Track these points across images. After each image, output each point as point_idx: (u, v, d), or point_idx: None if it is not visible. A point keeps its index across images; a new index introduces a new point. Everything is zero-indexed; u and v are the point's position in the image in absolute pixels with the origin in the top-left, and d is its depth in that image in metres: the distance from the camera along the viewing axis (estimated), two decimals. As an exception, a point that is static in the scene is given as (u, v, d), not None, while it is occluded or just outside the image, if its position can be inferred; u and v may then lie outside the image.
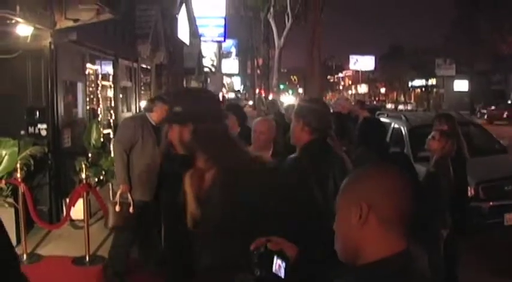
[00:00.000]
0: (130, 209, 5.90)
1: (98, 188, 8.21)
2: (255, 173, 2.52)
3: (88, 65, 10.61)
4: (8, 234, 2.11)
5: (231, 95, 65.04)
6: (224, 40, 34.88)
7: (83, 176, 7.19)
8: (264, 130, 4.98)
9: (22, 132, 8.38)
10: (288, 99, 62.09)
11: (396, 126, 9.65)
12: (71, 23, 8.75)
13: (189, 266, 2.62)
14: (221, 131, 2.62)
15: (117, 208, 5.90)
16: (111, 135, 10.98)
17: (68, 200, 7.82)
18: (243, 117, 7.31)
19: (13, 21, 7.59)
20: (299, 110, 3.59)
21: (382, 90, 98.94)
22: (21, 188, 7.06)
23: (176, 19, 19.31)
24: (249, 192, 2.42)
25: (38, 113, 8.52)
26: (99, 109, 11.40)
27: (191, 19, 22.29)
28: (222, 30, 31.03)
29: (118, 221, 6.01)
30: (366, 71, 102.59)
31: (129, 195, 5.90)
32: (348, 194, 1.67)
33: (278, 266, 2.34)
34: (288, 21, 32.81)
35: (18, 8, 7.43)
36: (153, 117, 6.07)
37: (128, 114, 12.68)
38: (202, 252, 2.57)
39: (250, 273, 2.25)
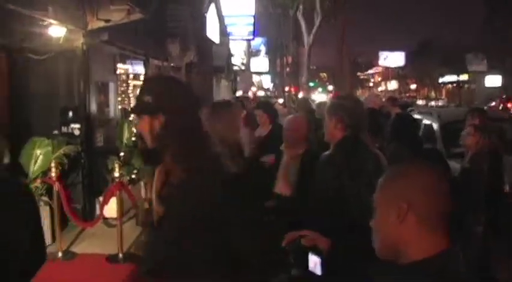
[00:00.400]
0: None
1: (130, 187, 8.29)
2: (217, 174, 2.39)
3: (119, 65, 10.72)
4: (40, 221, 2.18)
5: (261, 93, 65.00)
6: (253, 38, 34.78)
7: (116, 174, 7.27)
8: (295, 128, 4.92)
9: (55, 131, 8.48)
10: (319, 97, 61.64)
11: (428, 122, 9.53)
12: (102, 24, 8.83)
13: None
14: (193, 125, 2.45)
15: (146, 205, 5.94)
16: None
17: (101, 199, 7.93)
18: (274, 114, 7.30)
19: (46, 23, 7.69)
20: (331, 107, 3.57)
21: (413, 86, 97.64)
22: (56, 186, 7.16)
23: (205, 18, 19.38)
24: (209, 194, 2.32)
25: (71, 112, 8.64)
26: (130, 108, 11.51)
27: (220, 18, 22.36)
28: (251, 28, 30.87)
29: (148, 218, 6.06)
30: (395, 68, 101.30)
31: None
32: (385, 192, 1.67)
33: (314, 263, 2.33)
34: (317, 18, 32.63)
35: (50, 9, 7.54)
36: None
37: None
38: (163, 248, 2.52)
39: (285, 272, 2.24)
